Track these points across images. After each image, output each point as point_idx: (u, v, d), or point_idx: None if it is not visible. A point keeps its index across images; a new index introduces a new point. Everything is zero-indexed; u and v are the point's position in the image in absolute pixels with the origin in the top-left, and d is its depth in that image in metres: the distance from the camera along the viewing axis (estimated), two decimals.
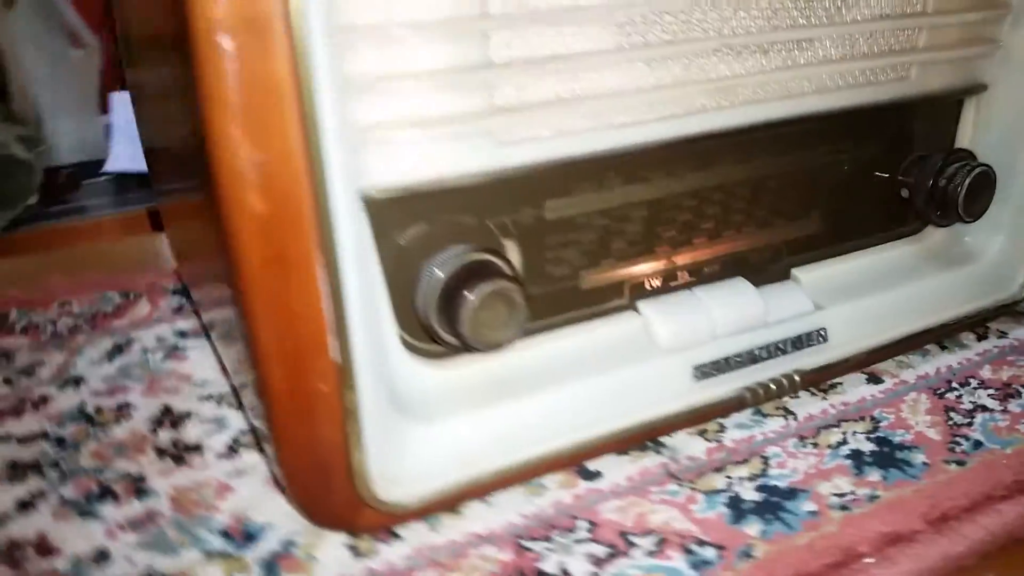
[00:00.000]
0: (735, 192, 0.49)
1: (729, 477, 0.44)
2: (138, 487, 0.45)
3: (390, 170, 0.37)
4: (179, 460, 0.47)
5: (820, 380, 0.51)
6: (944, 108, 0.55)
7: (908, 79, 0.51)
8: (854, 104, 0.50)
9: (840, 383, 0.52)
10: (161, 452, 0.47)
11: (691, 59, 0.43)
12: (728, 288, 0.49)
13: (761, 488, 0.43)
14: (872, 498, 0.42)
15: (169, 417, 0.51)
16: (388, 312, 0.40)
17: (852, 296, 0.52)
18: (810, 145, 0.50)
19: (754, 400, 0.47)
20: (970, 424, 0.48)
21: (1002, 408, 0.49)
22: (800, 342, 0.49)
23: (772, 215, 0.51)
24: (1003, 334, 0.58)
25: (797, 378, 0.48)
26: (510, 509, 0.42)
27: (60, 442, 0.49)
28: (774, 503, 0.42)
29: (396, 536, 0.41)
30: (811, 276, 0.52)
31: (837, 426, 0.48)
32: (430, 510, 0.41)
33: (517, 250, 0.43)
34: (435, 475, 0.40)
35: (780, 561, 0.38)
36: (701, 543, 0.40)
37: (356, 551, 0.40)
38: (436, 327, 0.39)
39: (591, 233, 0.45)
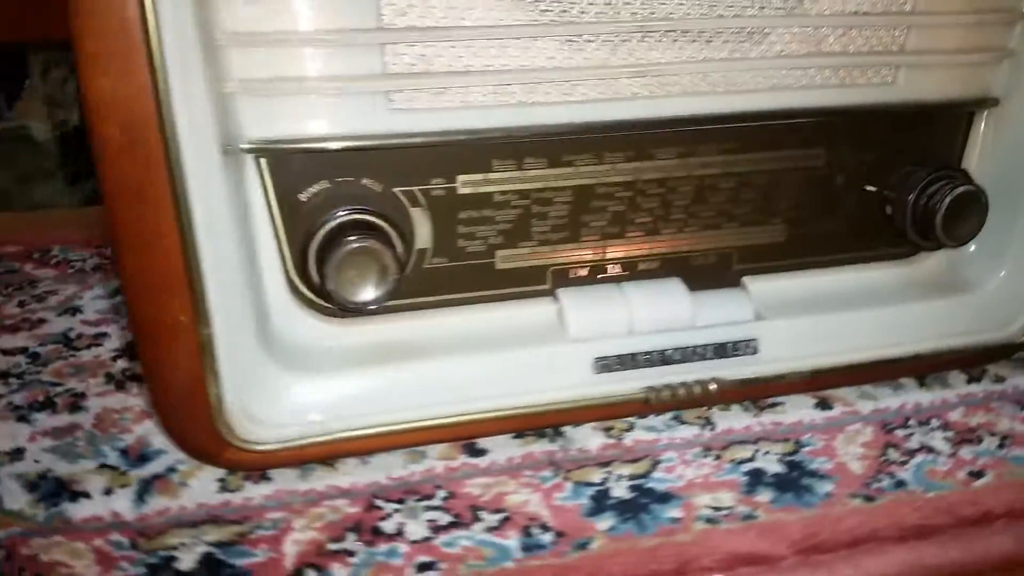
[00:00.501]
0: (677, 189, 0.47)
1: (609, 473, 0.43)
2: (75, 403, 0.49)
3: (274, 123, 0.39)
4: (120, 386, 0.51)
5: (750, 395, 0.48)
6: (947, 121, 0.50)
7: (894, 84, 0.47)
8: (822, 106, 0.47)
9: (782, 403, 0.49)
10: (109, 377, 0.52)
11: (617, 42, 0.42)
12: (658, 287, 0.47)
13: (635, 488, 0.41)
14: (748, 517, 0.40)
15: (131, 351, 0.55)
16: (275, 261, 0.42)
17: (804, 312, 0.49)
18: (770, 147, 0.48)
19: (659, 402, 0.45)
20: (904, 464, 0.44)
21: (950, 453, 0.45)
22: (724, 350, 0.46)
23: (722, 218, 0.48)
24: (1000, 379, 0.52)
25: (713, 387, 0.45)
26: (382, 471, 0.43)
27: (34, 357, 0.54)
28: (640, 504, 0.40)
29: (266, 479, 0.42)
30: (764, 287, 0.49)
31: (754, 443, 0.45)
32: (297, 457, 0.42)
33: (427, 221, 0.44)
34: (306, 424, 0.41)
35: (612, 558, 0.37)
36: (544, 528, 0.39)
37: (224, 485, 0.42)
38: (317, 282, 0.41)
39: (509, 213, 0.45)
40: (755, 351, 0.47)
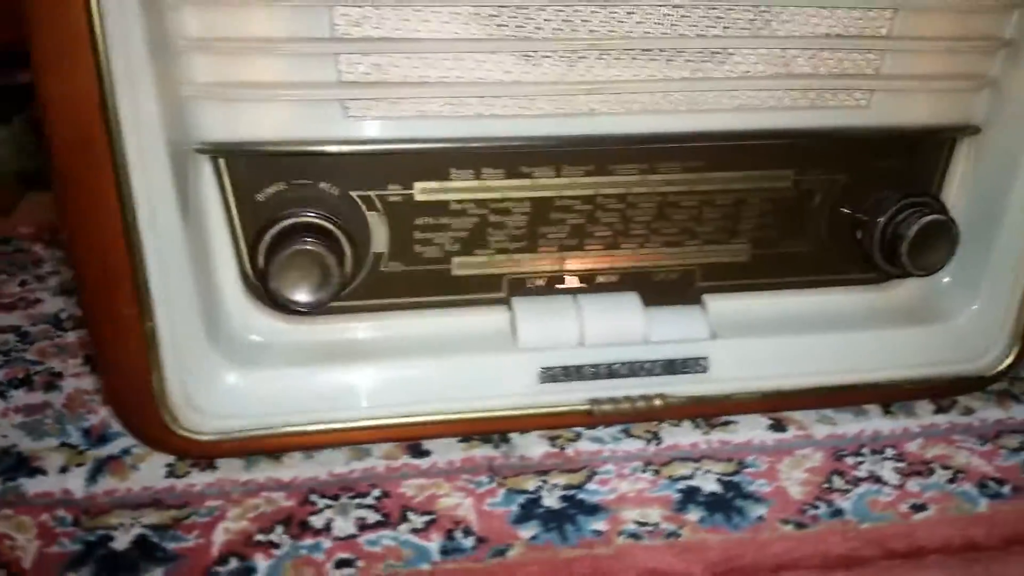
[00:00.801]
0: (638, 205, 0.47)
1: (544, 482, 0.43)
2: (51, 382, 0.51)
3: (232, 126, 0.40)
4: (95, 368, 0.53)
5: (698, 412, 0.48)
6: (926, 147, 0.49)
7: (868, 108, 0.47)
8: (790, 128, 0.46)
9: (735, 422, 0.49)
10: (88, 359, 0.54)
11: (574, 59, 0.42)
12: (613, 301, 0.47)
13: (566, 498, 0.42)
14: (671, 535, 0.40)
15: None
16: (230, 259, 0.43)
17: (764, 333, 0.48)
18: (736, 166, 0.47)
19: (601, 415, 0.45)
20: (846, 492, 0.43)
21: (898, 484, 0.44)
22: (672, 367, 0.46)
23: (685, 235, 0.48)
24: (969, 411, 0.51)
25: (659, 403, 0.46)
26: (325, 466, 0.44)
27: (24, 336, 0.57)
28: (568, 514, 0.41)
29: (212, 467, 0.44)
30: (724, 305, 0.49)
31: (696, 461, 0.45)
32: (242, 448, 0.43)
33: (383, 226, 0.45)
34: (250, 416, 0.43)
35: (526, 567, 0.37)
36: (467, 532, 0.40)
37: (172, 471, 0.44)
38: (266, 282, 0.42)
39: (466, 222, 0.46)
40: (704, 369, 0.47)
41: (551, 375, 0.45)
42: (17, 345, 0.55)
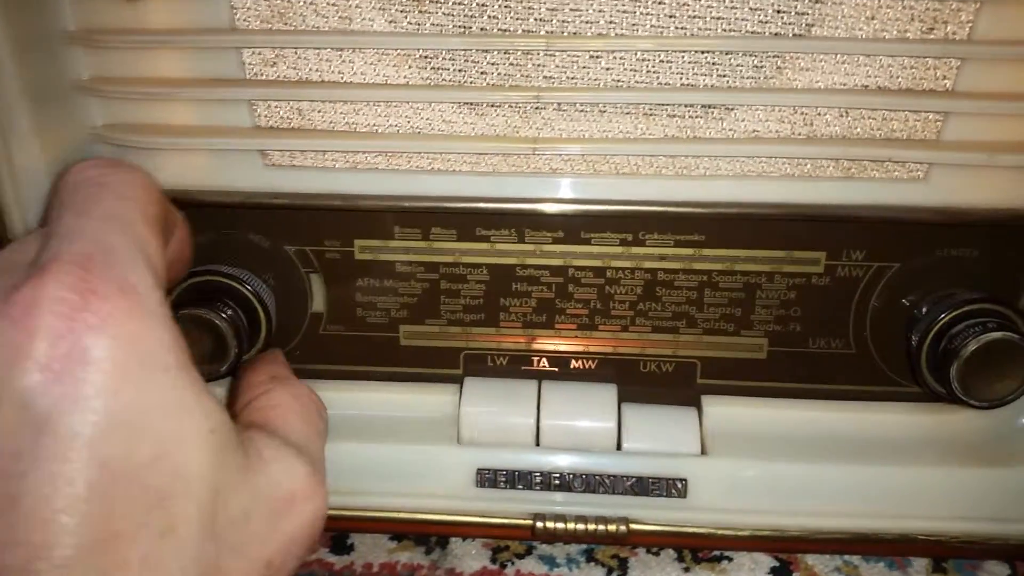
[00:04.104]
0: (620, 281, 0.39)
1: None
2: None
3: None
4: None
5: (673, 544, 0.39)
6: (1006, 235, 0.37)
7: (923, 182, 0.36)
8: (815, 203, 0.36)
9: (729, 558, 0.40)
10: None
11: (528, 110, 0.35)
12: (581, 393, 0.40)
13: None
14: None
15: None
16: None
17: (769, 453, 0.39)
18: (747, 243, 0.38)
19: (545, 533, 0.38)
20: None
21: None
22: (642, 487, 0.38)
23: (679, 321, 0.40)
24: None
25: (621, 528, 0.37)
26: None
27: None
28: None
29: None
30: (726, 412, 0.40)
31: None
32: None
33: (321, 285, 0.40)
34: None
35: None
36: None
37: None
38: None
39: (414, 286, 0.40)
40: (681, 494, 0.38)
41: (488, 478, 0.38)
42: None
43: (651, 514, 0.38)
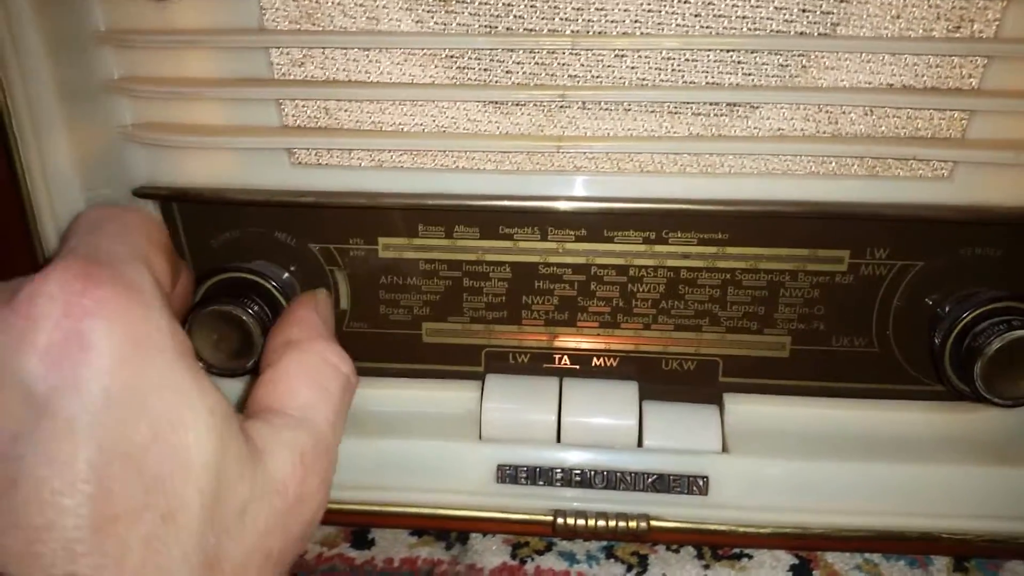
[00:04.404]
0: (643, 279, 0.39)
1: None
2: None
3: (163, 171, 0.37)
4: None
5: (694, 541, 0.40)
6: None
7: (948, 180, 0.36)
8: (840, 200, 0.36)
9: (750, 555, 0.40)
10: None
11: (553, 108, 0.36)
12: (603, 391, 0.40)
13: None
14: None
15: None
16: None
17: (793, 451, 0.39)
18: (770, 241, 0.38)
19: (566, 529, 0.38)
20: None
21: None
22: (664, 484, 0.38)
23: (702, 319, 0.40)
24: None
25: (641, 525, 0.38)
26: None
27: None
28: None
29: None
30: (750, 411, 0.40)
31: None
32: None
33: (345, 282, 0.41)
34: None
35: None
36: None
37: None
38: None
39: (437, 284, 0.40)
40: (703, 491, 0.38)
41: (509, 475, 0.39)
42: None
43: (672, 511, 0.38)
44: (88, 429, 0.22)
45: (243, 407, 0.33)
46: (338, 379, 0.31)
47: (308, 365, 0.31)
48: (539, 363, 0.42)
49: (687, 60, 0.34)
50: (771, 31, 0.33)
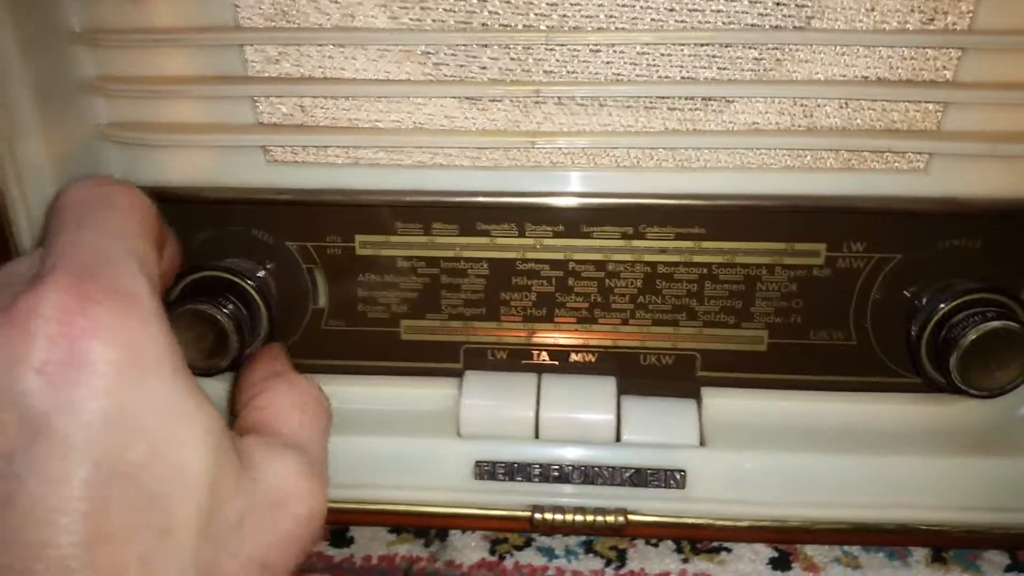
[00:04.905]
0: (620, 274, 0.39)
1: None
2: None
3: (138, 169, 0.37)
4: None
5: (672, 535, 0.40)
6: (1008, 226, 0.37)
7: (923, 172, 0.36)
8: (815, 194, 0.37)
9: (728, 549, 0.40)
10: None
11: (529, 104, 0.36)
12: (580, 386, 0.40)
13: None
14: None
15: None
16: None
17: (770, 445, 0.39)
18: (746, 236, 0.38)
19: (544, 525, 0.38)
20: None
21: None
22: (641, 478, 0.38)
23: (679, 313, 0.40)
24: None
25: (619, 519, 0.38)
26: None
27: None
28: None
29: None
30: (726, 404, 0.40)
31: None
32: None
33: (323, 281, 0.40)
34: None
35: None
36: None
37: None
38: None
39: (415, 281, 0.40)
40: (680, 485, 0.38)
41: (487, 471, 0.39)
42: None
43: (649, 505, 0.38)
44: (85, 448, 0.22)
45: (226, 414, 0.33)
46: (326, 411, 0.33)
47: (300, 392, 0.32)
48: (518, 359, 0.41)
49: (662, 55, 0.34)
50: (745, 25, 0.34)
